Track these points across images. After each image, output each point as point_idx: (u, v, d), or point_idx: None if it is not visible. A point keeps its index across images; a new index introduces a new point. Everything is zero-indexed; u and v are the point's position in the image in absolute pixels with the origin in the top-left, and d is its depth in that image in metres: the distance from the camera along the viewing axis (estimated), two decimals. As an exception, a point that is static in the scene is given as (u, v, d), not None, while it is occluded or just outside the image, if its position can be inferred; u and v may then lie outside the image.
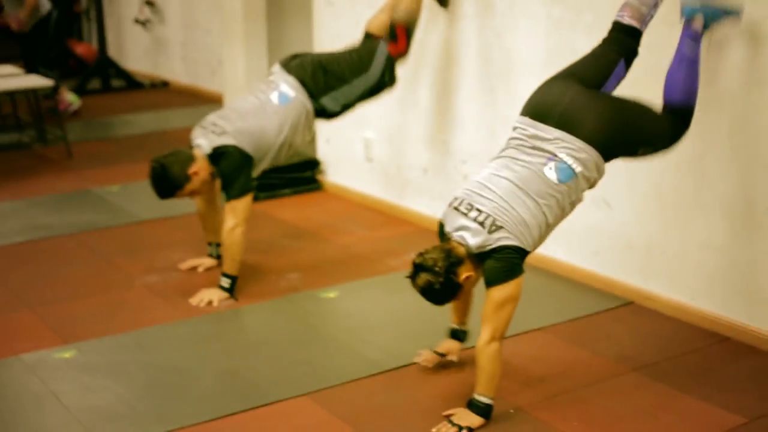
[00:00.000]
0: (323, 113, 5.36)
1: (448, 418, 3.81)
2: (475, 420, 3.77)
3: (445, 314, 4.29)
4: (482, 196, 3.76)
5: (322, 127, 6.96)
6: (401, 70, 6.01)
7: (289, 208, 6.53)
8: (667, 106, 4.04)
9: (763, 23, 4.15)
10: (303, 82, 5.25)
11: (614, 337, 4.61)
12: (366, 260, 5.61)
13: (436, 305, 3.85)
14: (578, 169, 3.78)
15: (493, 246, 3.68)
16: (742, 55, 4.24)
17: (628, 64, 4.10)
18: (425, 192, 6.10)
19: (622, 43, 4.10)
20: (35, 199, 6.83)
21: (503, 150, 3.94)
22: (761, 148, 4.24)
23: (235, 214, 5.01)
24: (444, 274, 3.66)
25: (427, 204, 6.08)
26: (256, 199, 6.59)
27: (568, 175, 3.77)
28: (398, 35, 5.42)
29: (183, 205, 6.25)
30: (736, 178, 4.37)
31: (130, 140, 8.70)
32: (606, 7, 4.55)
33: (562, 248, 5.16)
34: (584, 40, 4.72)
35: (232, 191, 5.01)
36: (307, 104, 5.24)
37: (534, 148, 3.83)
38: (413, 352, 4.37)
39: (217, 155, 5.01)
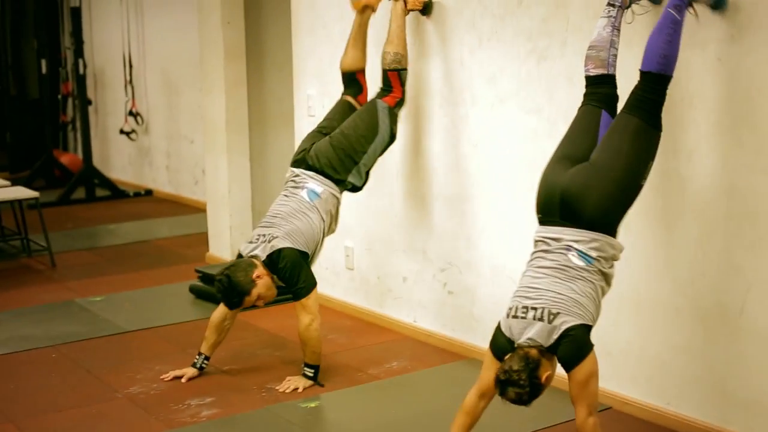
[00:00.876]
0: (354, 188, 5.59)
1: None
2: None
3: (433, 422, 4.31)
4: (530, 297, 3.98)
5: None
6: (386, 179, 6.10)
7: (270, 317, 6.56)
8: (644, 73, 4.09)
9: (733, 129, 4.27)
10: (325, 174, 5.45)
11: (593, 443, 4.63)
12: (347, 369, 5.63)
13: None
14: (594, 254, 3.99)
15: (559, 334, 3.88)
16: (712, 163, 4.35)
17: (612, 109, 4.24)
18: (405, 301, 6.16)
19: (596, 94, 4.27)
20: (19, 310, 6.86)
21: (532, 258, 4.14)
22: (732, 253, 4.32)
23: (307, 311, 5.24)
24: (529, 383, 3.84)
25: (407, 312, 6.14)
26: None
27: (588, 260, 3.98)
28: (392, 82, 5.59)
29: (165, 316, 6.32)
30: (709, 283, 4.44)
31: (114, 250, 8.77)
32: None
33: (540, 355, 5.21)
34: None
35: (299, 291, 5.25)
36: (336, 193, 5.48)
37: (555, 248, 4.03)
38: (393, 461, 4.39)
39: (274, 260, 5.21)
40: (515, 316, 3.97)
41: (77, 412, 5.10)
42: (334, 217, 5.51)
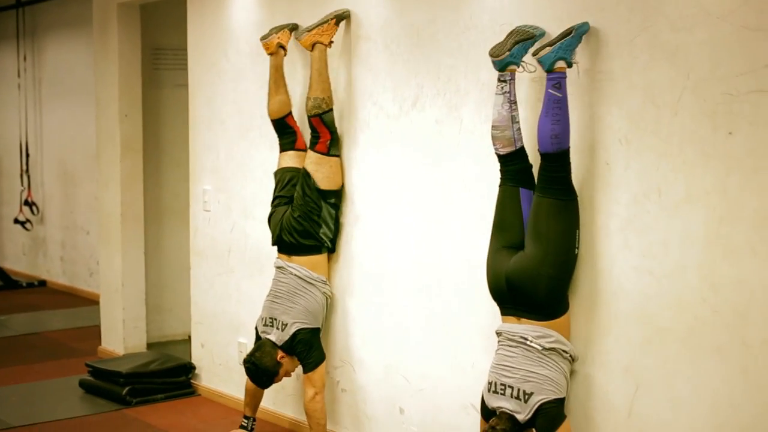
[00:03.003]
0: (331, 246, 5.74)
1: None
2: None
3: None
4: (507, 375, 4.30)
5: (196, 331, 6.98)
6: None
7: (162, 414, 6.46)
8: (542, 154, 4.24)
9: (620, 232, 4.34)
10: (302, 247, 5.63)
11: None
12: (238, 469, 5.56)
13: None
14: (548, 345, 4.28)
15: (533, 410, 4.21)
16: (600, 265, 4.41)
17: (528, 181, 4.39)
18: (298, 398, 6.11)
19: (509, 172, 4.43)
20: None
21: (499, 342, 4.43)
22: (620, 354, 4.37)
23: (312, 384, 5.50)
24: None
25: (300, 410, 6.08)
26: (128, 405, 6.57)
27: (543, 347, 4.29)
28: (317, 128, 5.56)
29: (53, 412, 6.19)
30: (597, 384, 4.46)
31: (4, 342, 8.61)
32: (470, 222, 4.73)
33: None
34: (450, 252, 4.89)
35: (308, 365, 5.52)
36: (318, 280, 5.65)
37: (515, 339, 4.34)
38: None
39: (289, 342, 5.51)
40: (495, 392, 4.31)
41: None
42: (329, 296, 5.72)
